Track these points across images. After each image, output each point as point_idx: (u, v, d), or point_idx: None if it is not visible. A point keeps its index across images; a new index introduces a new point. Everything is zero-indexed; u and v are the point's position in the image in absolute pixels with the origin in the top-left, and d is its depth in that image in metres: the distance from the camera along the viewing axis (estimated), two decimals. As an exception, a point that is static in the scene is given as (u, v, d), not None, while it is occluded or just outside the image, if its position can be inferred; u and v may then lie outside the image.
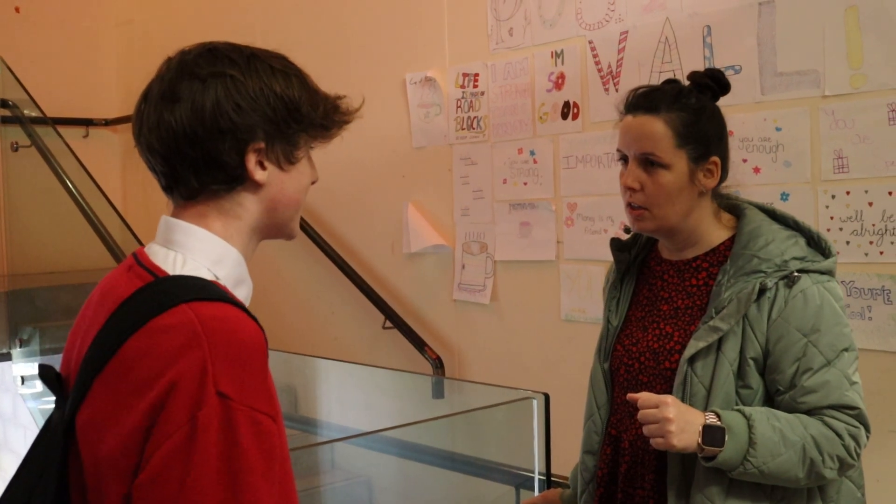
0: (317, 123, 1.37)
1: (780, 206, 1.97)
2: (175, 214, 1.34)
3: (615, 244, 2.07)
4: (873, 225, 2.82)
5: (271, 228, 1.39)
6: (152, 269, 1.28)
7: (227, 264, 1.33)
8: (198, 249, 1.30)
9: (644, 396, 1.75)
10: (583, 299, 3.69)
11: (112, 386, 1.19)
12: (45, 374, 1.31)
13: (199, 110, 1.27)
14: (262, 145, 1.31)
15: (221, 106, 1.28)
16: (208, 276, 1.28)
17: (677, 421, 1.70)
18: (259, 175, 1.32)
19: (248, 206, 1.34)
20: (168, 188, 1.34)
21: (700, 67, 3.21)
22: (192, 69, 1.30)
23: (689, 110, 1.88)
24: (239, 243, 1.35)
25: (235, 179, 1.31)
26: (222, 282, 1.30)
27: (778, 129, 3.03)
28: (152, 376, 1.15)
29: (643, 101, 1.91)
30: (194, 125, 1.27)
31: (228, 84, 1.29)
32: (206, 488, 1.12)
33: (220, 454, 1.13)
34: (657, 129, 1.87)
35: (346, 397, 4.86)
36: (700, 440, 1.71)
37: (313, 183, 1.43)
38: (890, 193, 2.79)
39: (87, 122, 6.24)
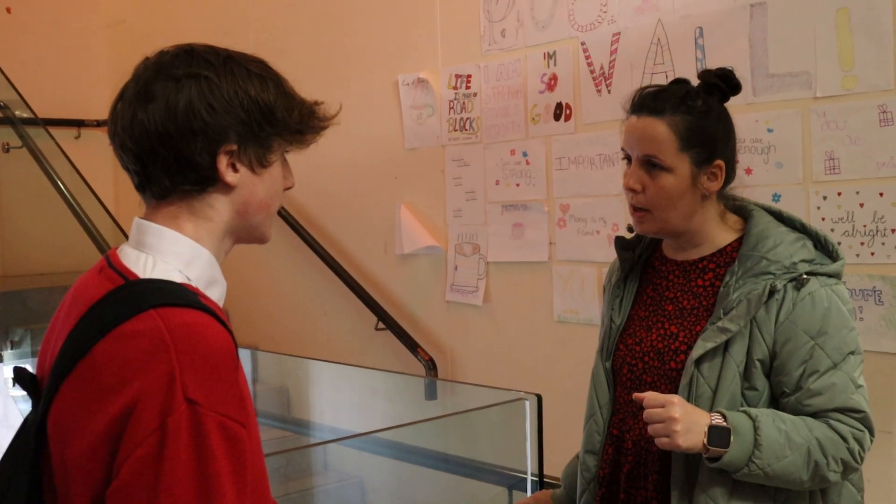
0: (291, 128, 1.37)
1: (776, 207, 1.97)
2: (147, 216, 1.34)
3: (619, 242, 2.07)
4: (864, 226, 2.83)
5: (242, 231, 1.39)
6: (123, 272, 1.27)
7: (198, 266, 1.32)
8: (169, 252, 1.30)
9: (650, 396, 1.75)
10: (575, 300, 3.69)
11: (79, 389, 1.19)
12: (20, 375, 1.31)
13: (172, 109, 1.28)
14: (235, 147, 1.31)
15: (194, 106, 1.28)
16: (179, 279, 1.28)
17: (683, 421, 1.70)
18: (230, 177, 1.32)
19: (219, 208, 1.34)
20: (140, 187, 1.34)
21: (692, 69, 3.22)
22: (167, 69, 1.31)
23: (695, 113, 1.87)
24: (210, 245, 1.34)
25: (207, 180, 1.31)
26: (194, 283, 1.30)
27: (770, 131, 3.04)
28: (119, 382, 1.15)
29: (649, 102, 1.89)
30: (167, 124, 1.27)
31: (203, 85, 1.29)
32: (177, 494, 1.12)
33: (190, 460, 1.13)
34: (660, 131, 1.86)
35: (339, 399, 4.86)
36: (706, 441, 1.71)
37: (289, 188, 1.43)
38: (881, 194, 2.80)
39: (78, 123, 6.21)
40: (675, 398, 1.73)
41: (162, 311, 1.19)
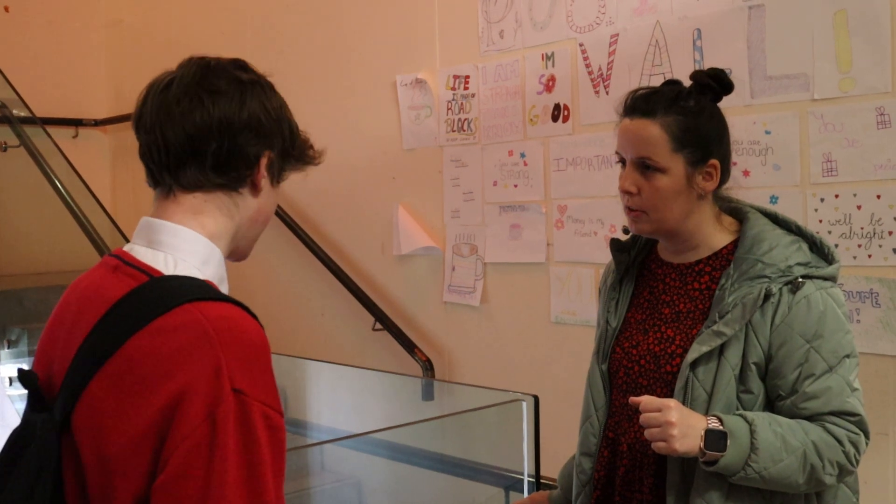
0: (297, 154, 1.46)
1: (771, 209, 1.97)
2: (158, 212, 1.35)
3: (615, 245, 2.06)
4: (862, 228, 2.83)
5: (242, 240, 1.43)
6: (145, 269, 1.28)
7: (212, 264, 1.35)
8: (186, 250, 1.32)
9: (646, 400, 1.74)
10: (572, 302, 3.69)
11: (114, 386, 1.19)
12: (25, 377, 1.30)
13: (240, 105, 1.34)
14: (273, 156, 1.39)
15: (260, 108, 1.36)
16: (199, 276, 1.29)
17: (680, 425, 1.70)
18: (263, 181, 1.38)
19: (241, 209, 1.39)
20: (168, 170, 1.34)
21: (690, 71, 3.20)
22: (230, 71, 1.38)
23: (687, 113, 1.87)
24: (223, 243, 1.38)
25: (243, 179, 1.37)
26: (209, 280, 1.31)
27: (767, 133, 3.04)
28: (161, 376, 1.17)
29: (641, 104, 1.89)
30: (232, 117, 1.33)
31: (264, 92, 1.39)
32: (228, 483, 1.14)
33: (238, 448, 1.15)
34: (653, 133, 1.85)
35: (336, 399, 4.86)
36: (702, 444, 1.71)
37: None
38: (878, 197, 2.80)
39: (76, 123, 6.21)
40: (672, 402, 1.73)
41: (199, 305, 1.21)
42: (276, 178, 1.42)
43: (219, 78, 1.35)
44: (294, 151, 1.43)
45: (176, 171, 1.34)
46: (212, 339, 1.18)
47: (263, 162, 1.37)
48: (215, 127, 1.32)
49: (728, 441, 1.70)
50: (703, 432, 1.71)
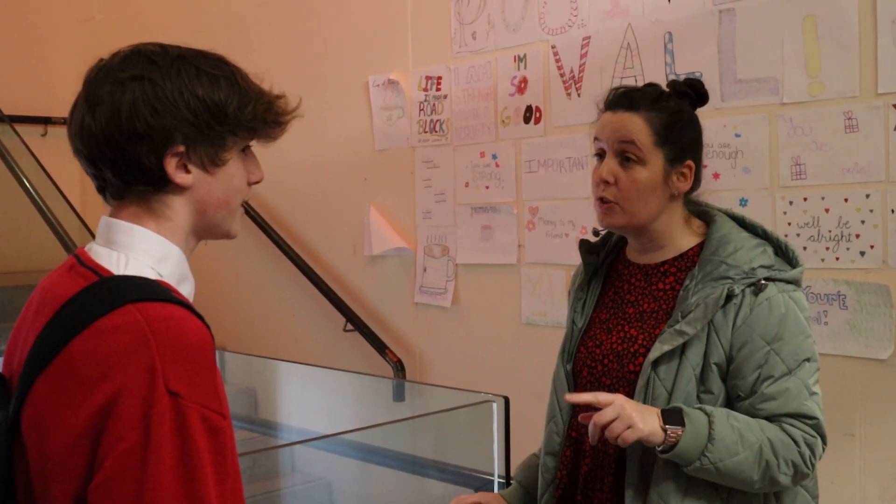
0: (245, 125, 1.35)
1: (739, 212, 1.99)
2: (113, 215, 1.35)
3: (584, 246, 2.07)
4: (829, 231, 2.86)
5: (205, 230, 1.38)
6: (96, 269, 1.28)
7: (169, 262, 1.33)
8: (140, 248, 1.31)
9: (597, 413, 1.74)
10: (544, 303, 3.70)
11: (56, 385, 1.19)
12: None
13: (116, 114, 1.27)
14: (182, 149, 1.30)
15: (138, 109, 1.27)
16: (152, 275, 1.28)
17: (634, 409, 1.72)
18: (181, 178, 1.31)
19: (177, 208, 1.34)
20: (100, 189, 1.35)
21: (661, 73, 3.24)
22: (114, 72, 1.30)
23: (670, 112, 1.89)
24: (178, 241, 1.35)
25: (158, 182, 1.31)
26: (166, 279, 1.30)
27: (737, 136, 3.06)
28: (99, 376, 1.16)
29: (624, 100, 1.91)
30: (112, 129, 1.27)
31: (146, 87, 1.28)
32: (163, 486, 1.13)
33: (174, 451, 1.14)
34: (637, 125, 1.87)
35: (307, 400, 4.84)
36: (661, 423, 1.71)
37: (256, 182, 1.42)
38: (846, 200, 2.83)
39: (45, 121, 6.15)
40: (617, 395, 1.75)
41: (140, 306, 1.19)
42: (212, 161, 1.32)
43: (102, 85, 1.29)
44: (226, 127, 1.32)
45: (101, 185, 1.34)
46: (148, 341, 1.16)
47: (169, 161, 1.29)
48: (101, 143, 1.28)
49: (685, 419, 1.71)
50: (658, 413, 1.73)
